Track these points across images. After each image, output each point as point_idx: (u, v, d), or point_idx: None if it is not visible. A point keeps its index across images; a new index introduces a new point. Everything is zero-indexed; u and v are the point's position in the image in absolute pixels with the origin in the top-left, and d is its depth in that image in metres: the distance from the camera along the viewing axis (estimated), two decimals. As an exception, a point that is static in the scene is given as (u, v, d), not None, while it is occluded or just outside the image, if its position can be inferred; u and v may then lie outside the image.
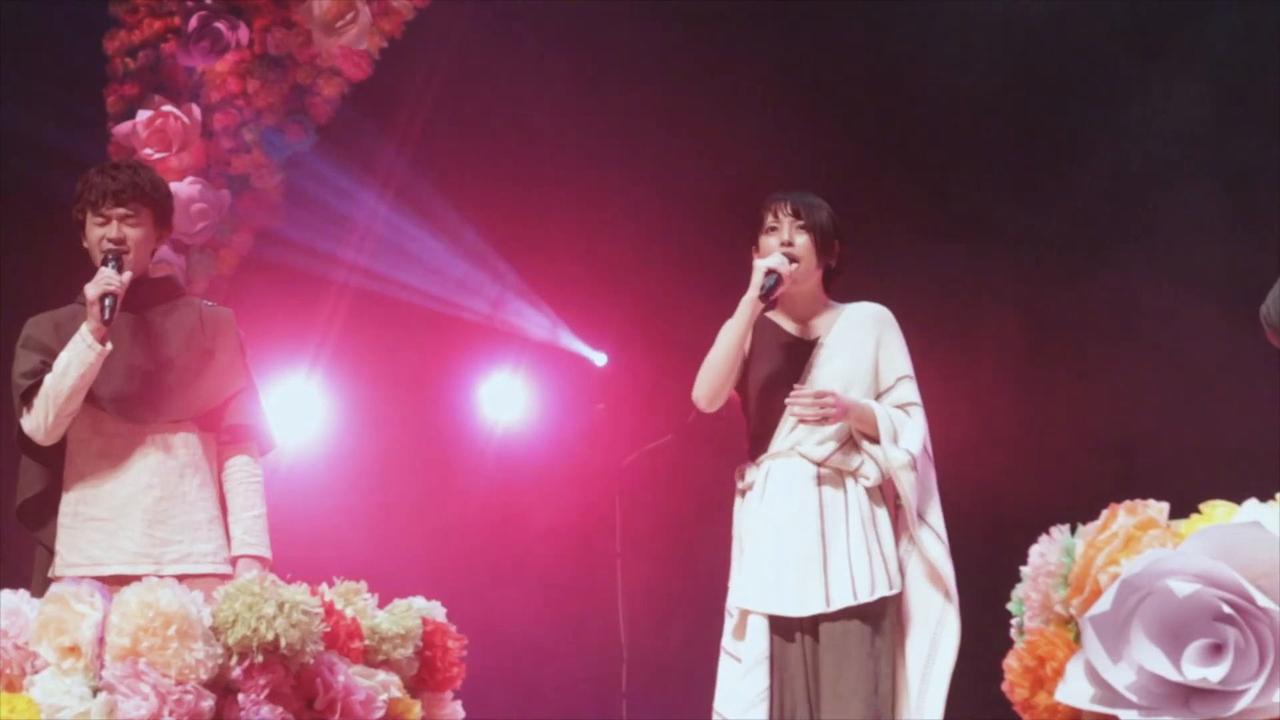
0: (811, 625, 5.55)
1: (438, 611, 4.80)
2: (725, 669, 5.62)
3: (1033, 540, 3.84)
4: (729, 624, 5.65)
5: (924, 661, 5.67)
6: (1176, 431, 8.65)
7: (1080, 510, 3.87)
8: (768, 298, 5.65)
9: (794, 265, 5.68)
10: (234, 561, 5.49)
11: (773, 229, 5.77)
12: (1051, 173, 9.12)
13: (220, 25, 8.45)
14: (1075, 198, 9.06)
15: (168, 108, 8.43)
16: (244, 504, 5.55)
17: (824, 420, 5.57)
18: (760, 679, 5.49)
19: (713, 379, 5.68)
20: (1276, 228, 8.26)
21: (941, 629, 5.68)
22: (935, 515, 5.74)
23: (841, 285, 5.93)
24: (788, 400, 5.60)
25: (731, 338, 5.66)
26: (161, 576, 4.26)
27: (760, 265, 5.67)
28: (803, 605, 5.53)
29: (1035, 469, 8.65)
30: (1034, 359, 9.15)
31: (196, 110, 8.53)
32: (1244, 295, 5.58)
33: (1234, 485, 3.97)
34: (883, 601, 5.58)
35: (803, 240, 5.74)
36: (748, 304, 5.65)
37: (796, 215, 5.76)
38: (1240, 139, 8.68)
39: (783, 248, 5.69)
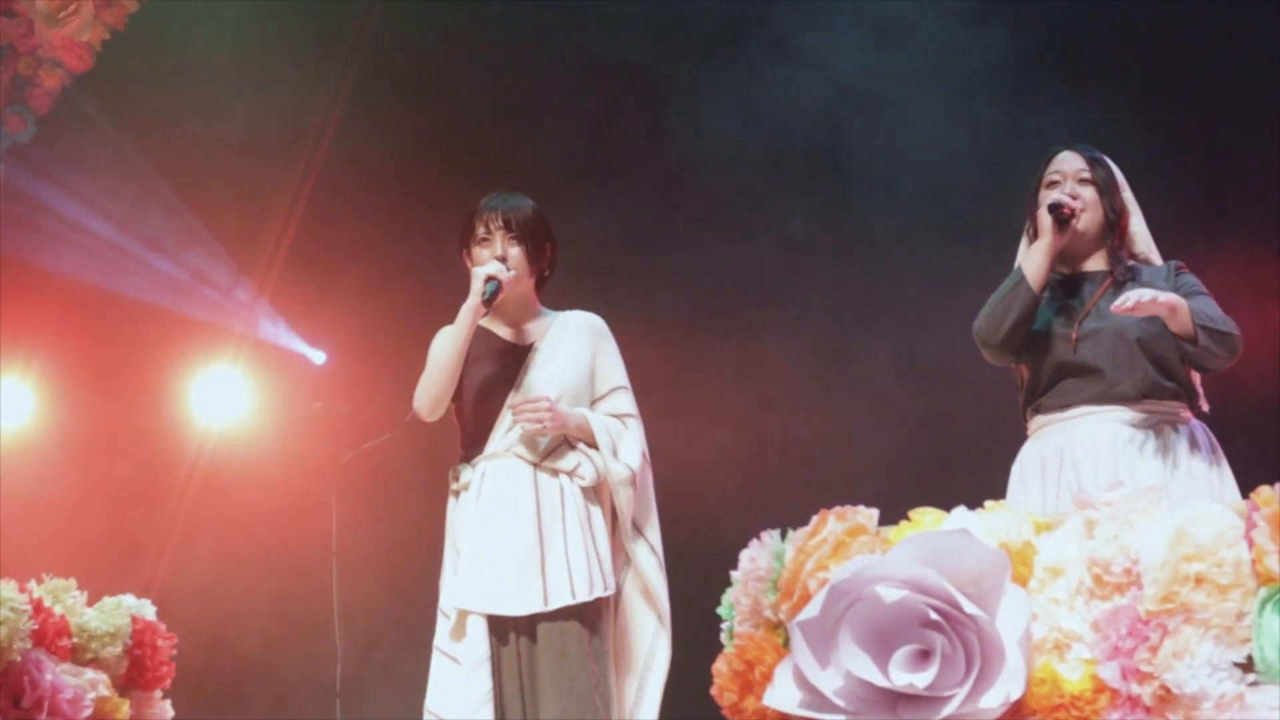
0: (529, 625, 5.54)
1: (147, 610, 4.71)
2: (442, 670, 5.57)
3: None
4: (445, 625, 5.60)
5: (640, 674, 5.72)
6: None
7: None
8: (489, 304, 5.63)
9: (512, 272, 5.67)
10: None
11: (484, 240, 5.73)
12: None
13: (-61, 14, 8.24)
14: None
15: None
16: None
17: (542, 429, 5.57)
18: (484, 680, 5.46)
19: (436, 387, 5.65)
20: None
21: (656, 643, 5.74)
22: (653, 530, 5.79)
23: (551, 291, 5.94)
24: (513, 409, 5.59)
25: (453, 345, 5.62)
26: None
27: (479, 273, 5.64)
28: (521, 605, 5.52)
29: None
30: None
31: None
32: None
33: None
34: (600, 602, 5.60)
35: (515, 251, 5.72)
36: (469, 311, 5.62)
37: (508, 226, 5.72)
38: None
39: (497, 260, 5.68)
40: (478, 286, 5.62)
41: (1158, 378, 5.31)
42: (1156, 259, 5.59)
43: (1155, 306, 5.14)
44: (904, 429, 8.93)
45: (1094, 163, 5.54)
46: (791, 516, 3.97)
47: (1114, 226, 5.51)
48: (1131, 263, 5.51)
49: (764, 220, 9.27)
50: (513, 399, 5.68)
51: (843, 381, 9.12)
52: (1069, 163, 5.55)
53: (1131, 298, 5.11)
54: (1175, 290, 5.35)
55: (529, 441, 5.62)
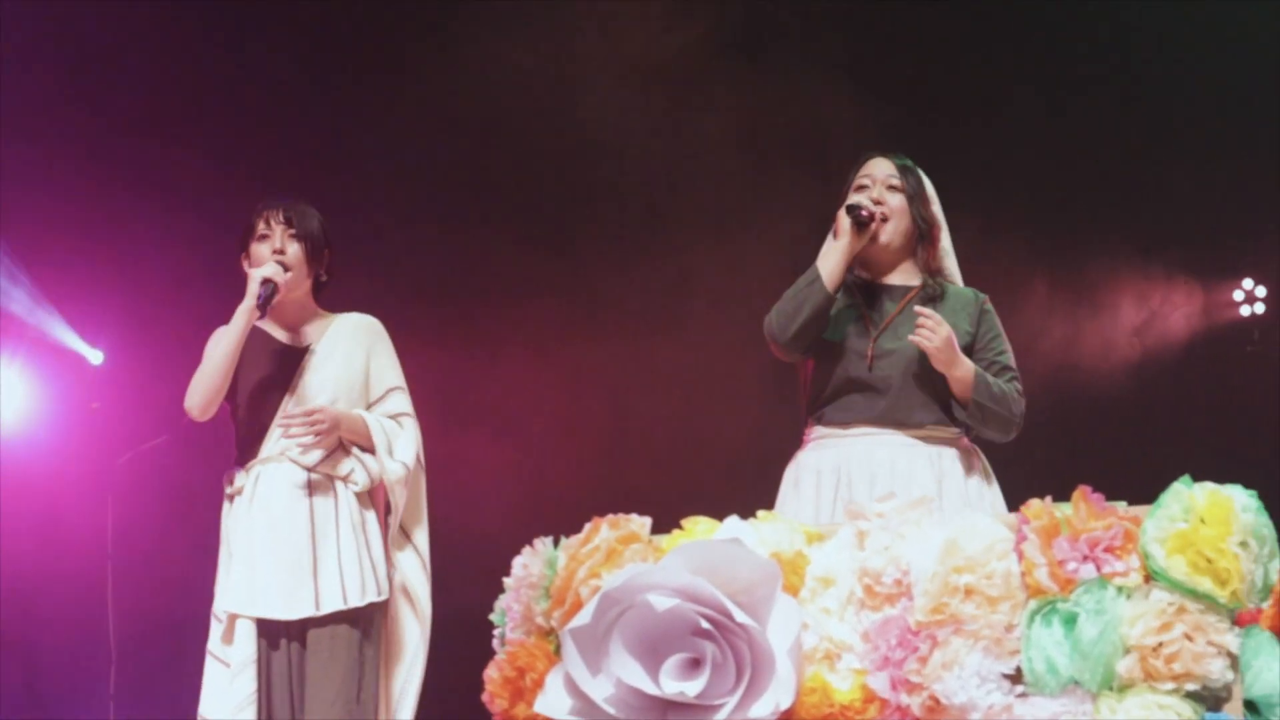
0: (299, 630, 5.49)
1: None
2: (212, 672, 5.52)
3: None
4: (216, 628, 5.54)
5: (403, 678, 5.69)
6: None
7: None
8: (264, 307, 5.55)
9: (288, 274, 5.59)
10: None
11: (264, 236, 5.66)
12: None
13: None
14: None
15: None
16: None
17: (318, 441, 5.51)
18: (248, 682, 5.40)
19: (207, 388, 5.56)
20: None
21: (420, 646, 5.71)
22: (421, 533, 5.78)
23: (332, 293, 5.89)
24: (280, 424, 5.52)
25: (227, 347, 5.53)
26: None
27: (256, 274, 5.56)
28: (291, 609, 5.46)
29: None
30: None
31: None
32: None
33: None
34: (372, 607, 5.55)
35: (294, 248, 5.65)
36: (243, 313, 5.53)
37: (289, 223, 5.66)
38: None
39: (275, 256, 5.60)
40: (253, 289, 5.54)
41: (942, 405, 5.31)
42: (959, 278, 5.57)
43: (942, 365, 5.17)
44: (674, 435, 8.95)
45: (904, 170, 5.48)
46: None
47: (924, 237, 5.45)
48: (941, 281, 5.48)
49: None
50: (288, 402, 5.63)
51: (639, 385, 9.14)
52: (879, 168, 5.48)
53: (934, 338, 5.13)
54: (976, 330, 5.36)
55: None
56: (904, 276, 5.46)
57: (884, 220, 5.38)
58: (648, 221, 9.29)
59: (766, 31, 9.04)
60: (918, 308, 5.20)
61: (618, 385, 9.15)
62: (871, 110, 8.73)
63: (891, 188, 5.43)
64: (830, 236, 5.45)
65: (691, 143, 9.14)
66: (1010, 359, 5.38)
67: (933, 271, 5.46)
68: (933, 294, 5.38)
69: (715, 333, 8.86)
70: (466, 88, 9.06)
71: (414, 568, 5.73)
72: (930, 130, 8.84)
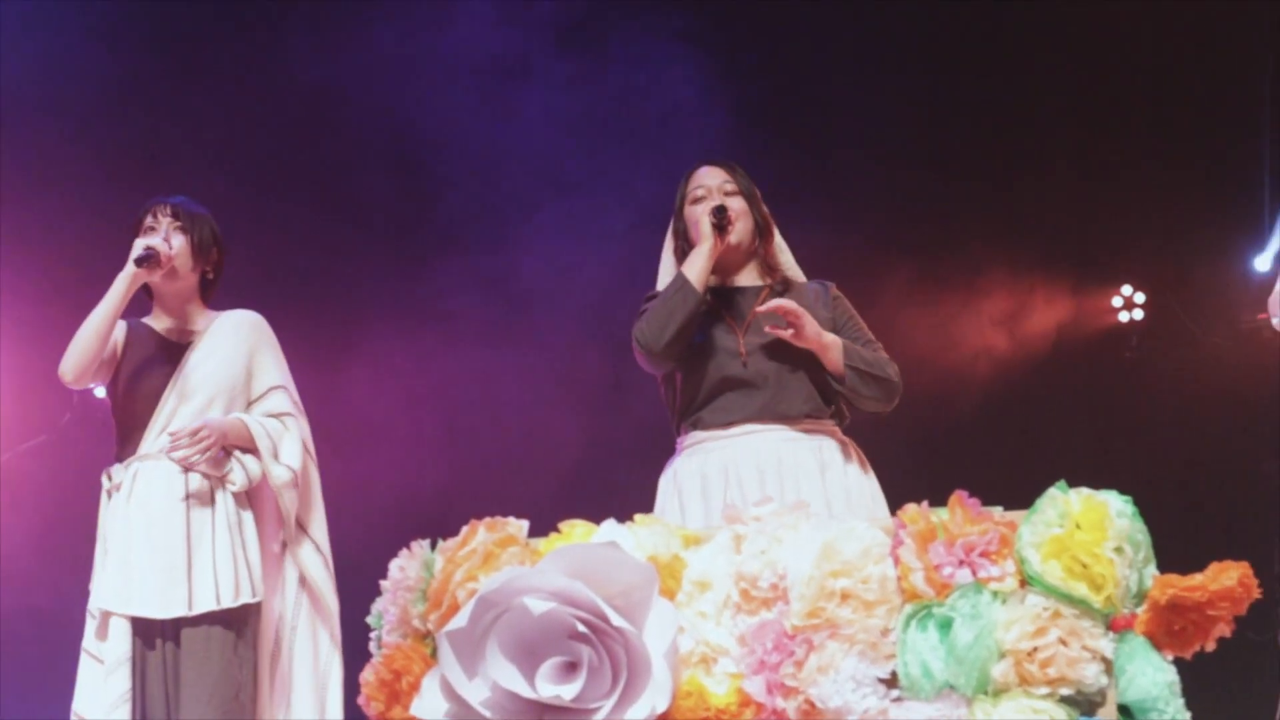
0: (174, 629, 5.46)
1: None
2: (87, 670, 5.50)
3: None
4: (91, 625, 5.51)
5: (321, 679, 5.67)
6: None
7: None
8: (142, 265, 5.52)
9: (175, 250, 5.59)
10: None
11: (150, 229, 5.66)
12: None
13: None
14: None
15: None
16: None
17: (206, 458, 5.49)
18: (122, 680, 5.37)
19: (80, 352, 5.53)
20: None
21: (332, 644, 5.69)
22: (318, 527, 5.76)
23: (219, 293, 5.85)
24: (169, 451, 5.49)
25: (105, 308, 5.51)
26: None
27: (139, 243, 5.56)
28: (165, 608, 5.43)
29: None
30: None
31: None
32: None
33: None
34: (245, 608, 5.52)
35: (179, 240, 5.65)
36: (123, 278, 5.53)
37: (175, 216, 5.68)
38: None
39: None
40: (134, 255, 5.54)
41: (818, 396, 5.33)
42: (799, 272, 5.61)
43: (811, 342, 5.19)
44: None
45: (735, 173, 5.53)
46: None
47: (763, 236, 5.51)
48: (788, 276, 5.52)
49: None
50: (169, 396, 5.61)
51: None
52: (711, 177, 5.51)
53: (800, 322, 5.14)
54: (833, 316, 5.39)
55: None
56: (752, 276, 5.51)
57: (736, 220, 5.43)
58: (482, 219, 9.19)
59: (604, 21, 8.98)
60: (760, 309, 5.23)
61: (460, 391, 9.08)
62: (720, 102, 8.72)
63: (729, 193, 5.48)
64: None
65: (524, 138, 9.06)
66: (870, 336, 5.43)
67: (774, 268, 5.51)
68: (782, 290, 5.42)
69: (555, 332, 8.85)
70: (294, 89, 8.96)
71: (314, 563, 5.72)
72: (778, 127, 8.87)
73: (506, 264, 8.89)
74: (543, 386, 9.01)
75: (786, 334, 5.18)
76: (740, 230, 5.43)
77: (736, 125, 8.55)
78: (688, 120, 8.68)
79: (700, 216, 5.36)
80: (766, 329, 5.21)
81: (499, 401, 9.03)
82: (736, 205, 5.44)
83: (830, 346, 5.24)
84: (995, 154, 9.24)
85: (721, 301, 5.45)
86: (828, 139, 8.65)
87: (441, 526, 3.95)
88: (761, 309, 5.24)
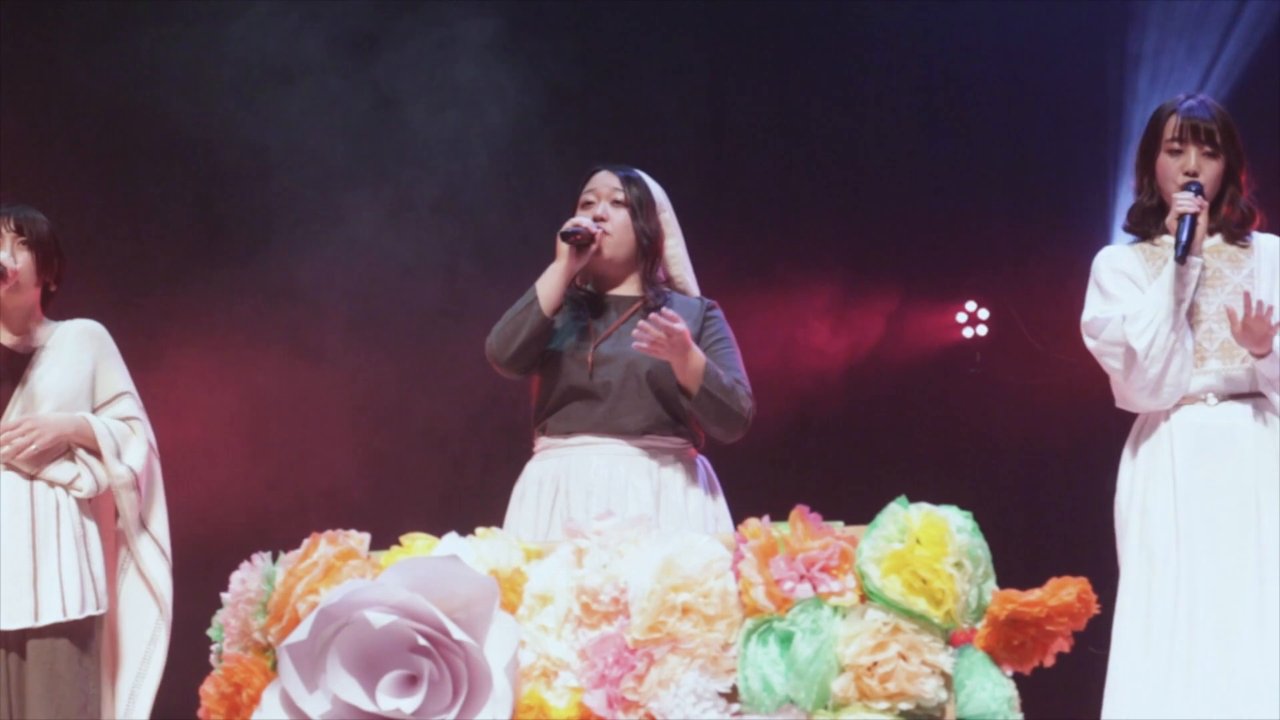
0: (18, 640, 5.42)
1: None
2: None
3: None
4: (-65, 635, 5.45)
5: (134, 677, 5.64)
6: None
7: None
8: None
9: (17, 265, 5.55)
10: None
11: None
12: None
13: None
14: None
15: None
16: None
17: (36, 451, 5.44)
18: (-38, 692, 5.34)
19: None
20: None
21: (154, 646, 5.67)
22: (159, 524, 5.78)
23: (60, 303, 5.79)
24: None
25: None
26: None
27: None
28: (11, 619, 5.39)
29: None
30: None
31: None
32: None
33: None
34: (90, 620, 5.49)
35: (24, 256, 5.63)
36: None
37: (19, 231, 5.66)
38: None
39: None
40: None
41: (663, 413, 5.32)
42: (693, 286, 5.60)
43: (669, 353, 5.17)
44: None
45: (629, 182, 5.50)
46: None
47: (646, 251, 5.50)
48: (666, 290, 5.50)
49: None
50: (14, 407, 5.61)
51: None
52: (602, 182, 5.49)
53: (674, 329, 5.12)
54: (701, 332, 5.39)
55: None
56: (630, 288, 5.49)
57: (605, 235, 5.41)
58: (257, 222, 9.04)
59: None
60: (641, 322, 5.21)
61: (258, 401, 8.95)
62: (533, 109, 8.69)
63: (615, 202, 5.46)
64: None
65: (298, 139, 8.92)
66: (737, 362, 5.42)
67: (656, 282, 5.48)
68: (654, 305, 5.38)
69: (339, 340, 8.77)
70: (67, 95, 8.83)
71: (153, 556, 5.71)
72: (605, 129, 8.88)
73: (286, 268, 8.75)
74: (328, 398, 8.89)
75: (646, 345, 5.15)
76: (613, 244, 5.40)
77: (514, 133, 8.53)
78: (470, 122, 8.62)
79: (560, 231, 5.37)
80: (634, 336, 5.18)
81: (294, 411, 8.90)
82: (618, 217, 5.43)
83: (693, 361, 5.22)
84: (841, 168, 9.28)
85: (592, 309, 5.44)
86: (653, 155, 8.58)
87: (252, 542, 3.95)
88: (646, 320, 5.19)
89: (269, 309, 8.78)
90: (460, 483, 8.59)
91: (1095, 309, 5.49)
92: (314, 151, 8.68)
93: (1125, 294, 5.43)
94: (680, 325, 5.12)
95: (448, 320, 8.55)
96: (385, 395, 8.78)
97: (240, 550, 3.95)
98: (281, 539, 3.99)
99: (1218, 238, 5.47)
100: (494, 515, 5.28)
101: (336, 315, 8.79)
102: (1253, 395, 5.35)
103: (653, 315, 5.12)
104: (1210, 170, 5.43)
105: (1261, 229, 5.53)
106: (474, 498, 8.04)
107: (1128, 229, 5.62)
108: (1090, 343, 5.48)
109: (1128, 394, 5.45)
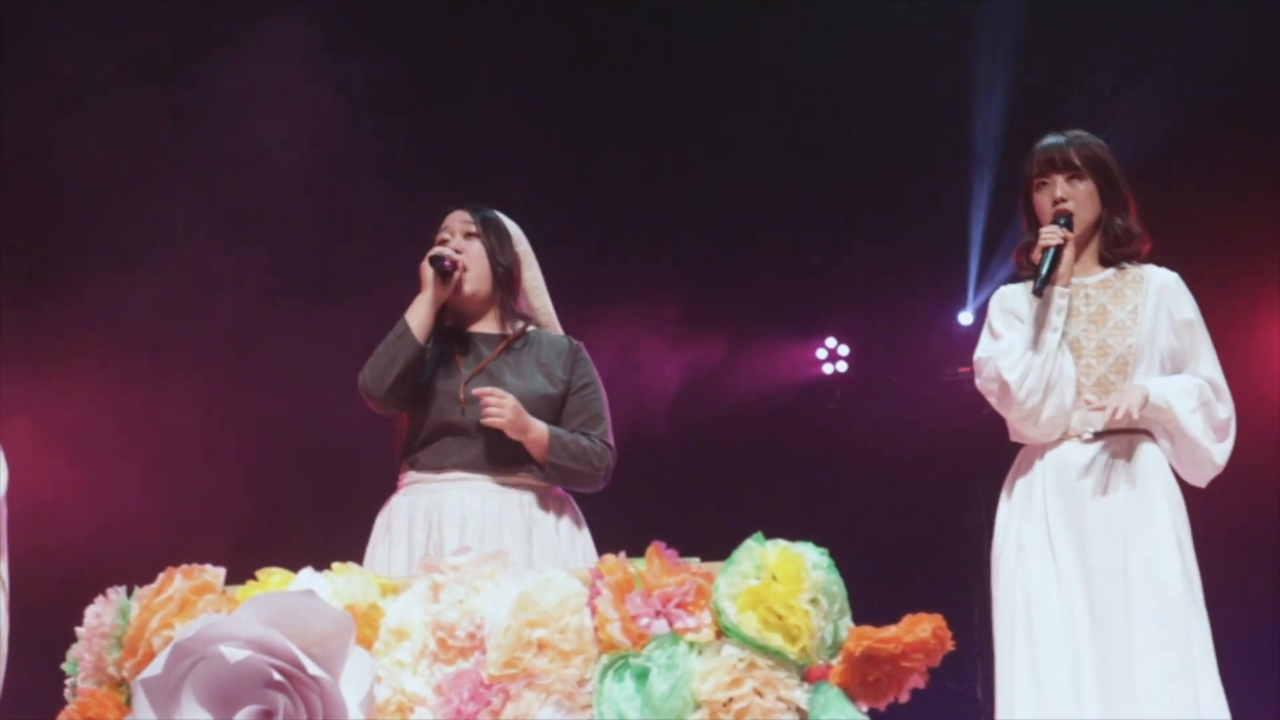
0: None
1: None
2: None
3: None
4: None
5: None
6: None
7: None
8: None
9: None
10: None
11: None
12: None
13: None
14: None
15: None
16: None
17: None
18: None
19: None
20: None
21: None
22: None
23: None
24: None
25: None
26: None
27: None
28: None
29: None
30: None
31: None
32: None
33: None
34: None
35: None
36: None
37: None
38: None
39: None
40: None
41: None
42: (553, 316, 5.63)
43: (516, 433, 5.24)
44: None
45: (480, 216, 5.55)
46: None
47: (503, 280, 5.52)
48: (531, 328, 5.53)
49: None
50: None
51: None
52: (456, 218, 5.55)
53: (504, 413, 5.20)
54: (570, 377, 5.43)
55: None
56: (492, 323, 5.52)
57: (465, 270, 5.44)
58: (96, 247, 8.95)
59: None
60: (477, 390, 5.25)
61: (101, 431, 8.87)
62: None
63: (469, 234, 5.50)
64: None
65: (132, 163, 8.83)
66: (602, 407, 5.46)
67: (516, 315, 5.52)
68: (520, 344, 5.44)
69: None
70: None
71: None
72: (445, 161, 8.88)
73: (128, 296, 8.67)
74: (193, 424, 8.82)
75: (498, 422, 5.21)
76: (472, 278, 5.44)
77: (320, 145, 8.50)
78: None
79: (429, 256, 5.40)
80: (482, 421, 5.24)
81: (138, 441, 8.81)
82: (473, 250, 5.46)
83: (535, 439, 5.28)
84: (701, 204, 9.32)
85: (457, 346, 5.47)
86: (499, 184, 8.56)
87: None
88: (474, 391, 5.26)
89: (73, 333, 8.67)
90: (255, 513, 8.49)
91: (983, 348, 5.56)
92: (113, 167, 8.56)
93: (1011, 332, 5.50)
94: (505, 411, 5.20)
95: (251, 340, 8.45)
96: (191, 420, 8.68)
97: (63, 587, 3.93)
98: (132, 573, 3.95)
99: (1110, 271, 5.53)
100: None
101: (139, 337, 8.69)
102: (1131, 432, 5.39)
103: (477, 392, 5.21)
104: (1079, 192, 5.50)
105: (1147, 257, 5.58)
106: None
107: (1019, 268, 5.68)
108: (977, 381, 5.55)
109: (1015, 426, 5.50)
